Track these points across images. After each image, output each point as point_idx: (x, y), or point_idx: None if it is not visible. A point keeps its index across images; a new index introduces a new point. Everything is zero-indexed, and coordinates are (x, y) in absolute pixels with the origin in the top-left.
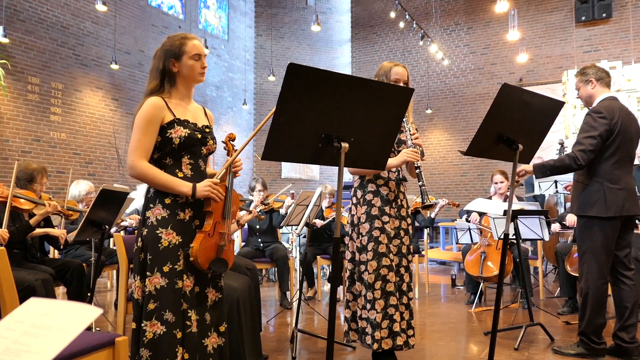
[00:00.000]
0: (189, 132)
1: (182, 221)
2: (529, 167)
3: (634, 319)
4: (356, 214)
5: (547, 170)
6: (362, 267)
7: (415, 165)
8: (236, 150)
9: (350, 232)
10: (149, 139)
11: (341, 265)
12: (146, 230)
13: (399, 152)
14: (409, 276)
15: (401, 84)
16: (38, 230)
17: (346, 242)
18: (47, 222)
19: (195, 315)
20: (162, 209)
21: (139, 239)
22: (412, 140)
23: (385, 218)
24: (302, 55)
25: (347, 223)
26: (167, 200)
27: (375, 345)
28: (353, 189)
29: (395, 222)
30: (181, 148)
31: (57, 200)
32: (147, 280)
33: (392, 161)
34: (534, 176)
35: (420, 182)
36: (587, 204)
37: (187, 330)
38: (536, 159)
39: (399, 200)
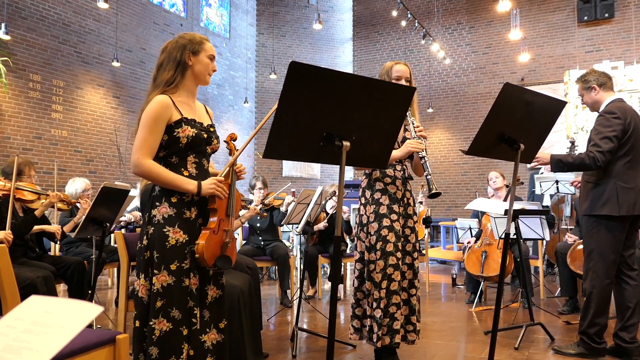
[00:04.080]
0: (196, 131)
1: (188, 220)
2: (546, 156)
3: (635, 319)
4: (365, 213)
5: (564, 166)
6: (372, 266)
7: (420, 155)
8: (238, 149)
9: (358, 232)
10: (154, 137)
11: (341, 264)
12: (152, 228)
13: None
14: (411, 273)
15: (402, 82)
16: (35, 228)
17: (355, 242)
18: (42, 217)
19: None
20: (168, 208)
21: (145, 237)
22: (416, 132)
23: (394, 216)
24: (303, 53)
25: (356, 224)
26: (174, 199)
27: (379, 343)
28: (361, 189)
29: (402, 220)
30: (188, 147)
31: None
32: (154, 278)
33: (395, 153)
34: (535, 180)
35: (426, 172)
36: (599, 203)
37: (193, 328)
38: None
39: (405, 199)
